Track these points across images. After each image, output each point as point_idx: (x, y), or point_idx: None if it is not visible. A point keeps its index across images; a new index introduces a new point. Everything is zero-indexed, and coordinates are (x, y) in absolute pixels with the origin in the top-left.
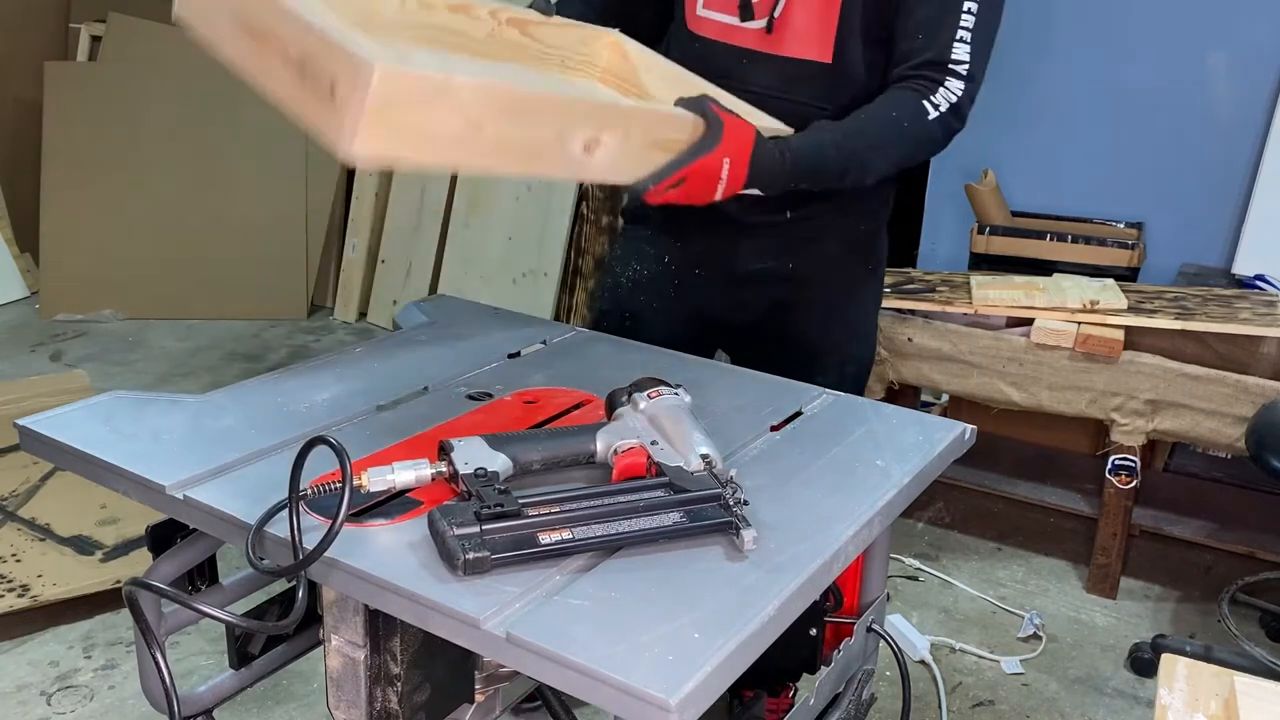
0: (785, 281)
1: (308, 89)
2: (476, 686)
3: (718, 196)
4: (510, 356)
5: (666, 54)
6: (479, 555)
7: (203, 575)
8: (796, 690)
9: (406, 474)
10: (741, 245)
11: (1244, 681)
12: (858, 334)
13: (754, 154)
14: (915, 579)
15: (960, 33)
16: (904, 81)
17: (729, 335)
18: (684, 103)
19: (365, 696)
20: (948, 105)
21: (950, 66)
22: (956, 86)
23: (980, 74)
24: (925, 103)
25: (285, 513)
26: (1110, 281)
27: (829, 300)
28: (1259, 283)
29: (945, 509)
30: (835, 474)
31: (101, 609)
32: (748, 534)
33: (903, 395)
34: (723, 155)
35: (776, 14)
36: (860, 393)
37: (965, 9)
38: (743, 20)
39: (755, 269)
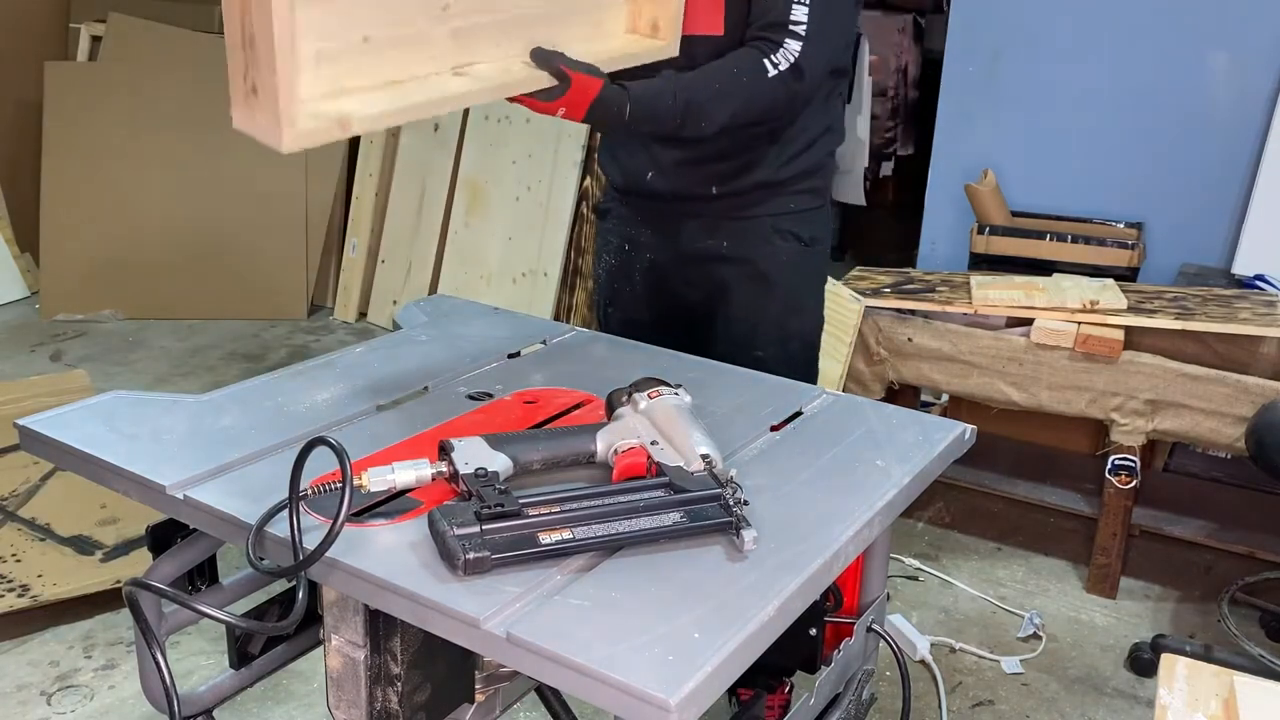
0: (723, 260)
1: (241, 62)
2: (476, 686)
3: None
4: (510, 356)
5: None
6: (479, 555)
7: (203, 575)
8: (793, 686)
9: (407, 474)
10: (683, 225)
11: (1244, 681)
12: (796, 309)
13: (593, 103)
14: (915, 579)
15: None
16: (751, 42)
17: (688, 314)
18: (538, 59)
19: (365, 696)
20: (787, 64)
21: (789, 27)
22: (794, 47)
23: (819, 35)
24: (766, 60)
25: (286, 513)
26: (1110, 281)
27: (763, 275)
28: (1259, 283)
29: (945, 509)
30: (835, 474)
31: (101, 609)
32: (748, 534)
33: (903, 395)
34: (559, 105)
35: None
36: (812, 369)
37: None
38: None
39: (697, 248)
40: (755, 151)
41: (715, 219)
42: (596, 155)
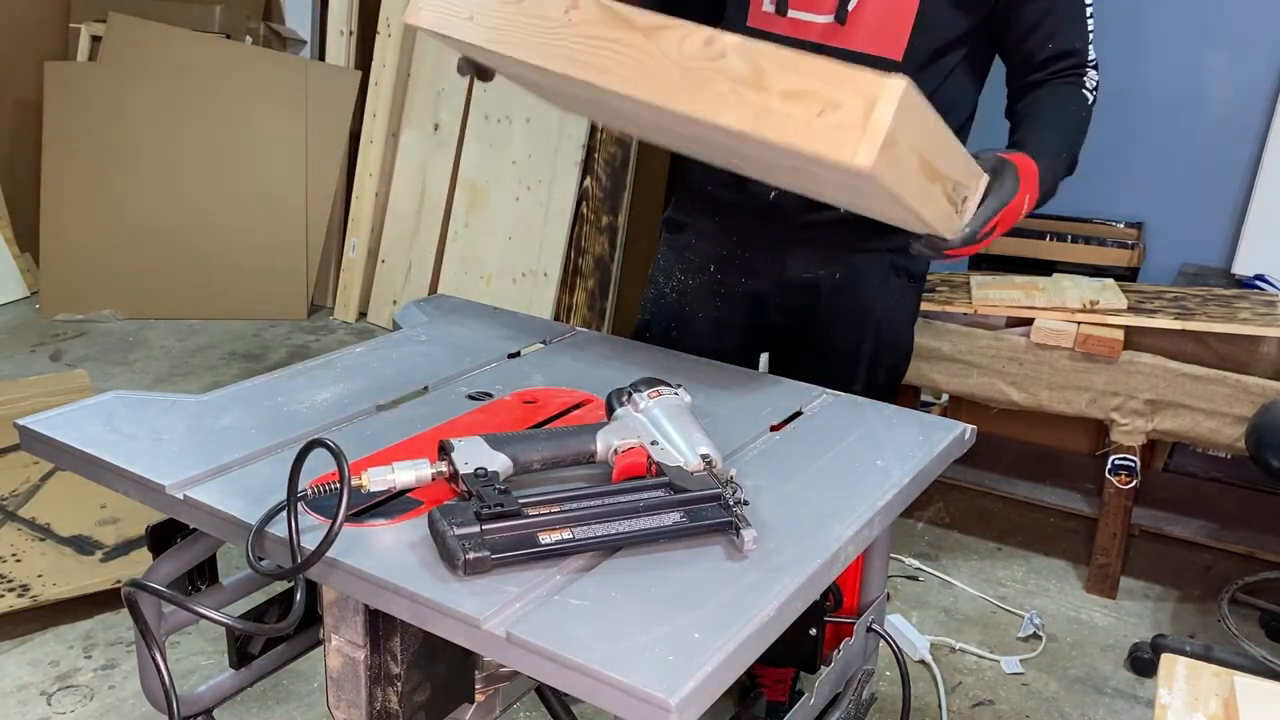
0: (835, 291)
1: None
2: (476, 686)
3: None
4: (510, 356)
5: None
6: (479, 555)
7: (203, 575)
8: (798, 675)
9: (407, 474)
10: (790, 252)
11: (1244, 681)
12: (893, 347)
13: (1039, 179)
14: (915, 579)
15: (1089, 24)
16: (1051, 81)
17: (774, 344)
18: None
19: (365, 696)
20: (1093, 91)
21: (1090, 59)
22: (1094, 76)
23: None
24: (1084, 92)
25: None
26: (1110, 281)
27: (870, 312)
28: (1259, 283)
29: (945, 509)
30: (835, 474)
31: (101, 609)
32: (748, 534)
33: (903, 395)
34: (1024, 193)
35: (851, 6)
36: (889, 395)
37: (1087, 3)
38: (833, 16)
39: (805, 277)
40: None
41: (832, 249)
42: (675, 167)
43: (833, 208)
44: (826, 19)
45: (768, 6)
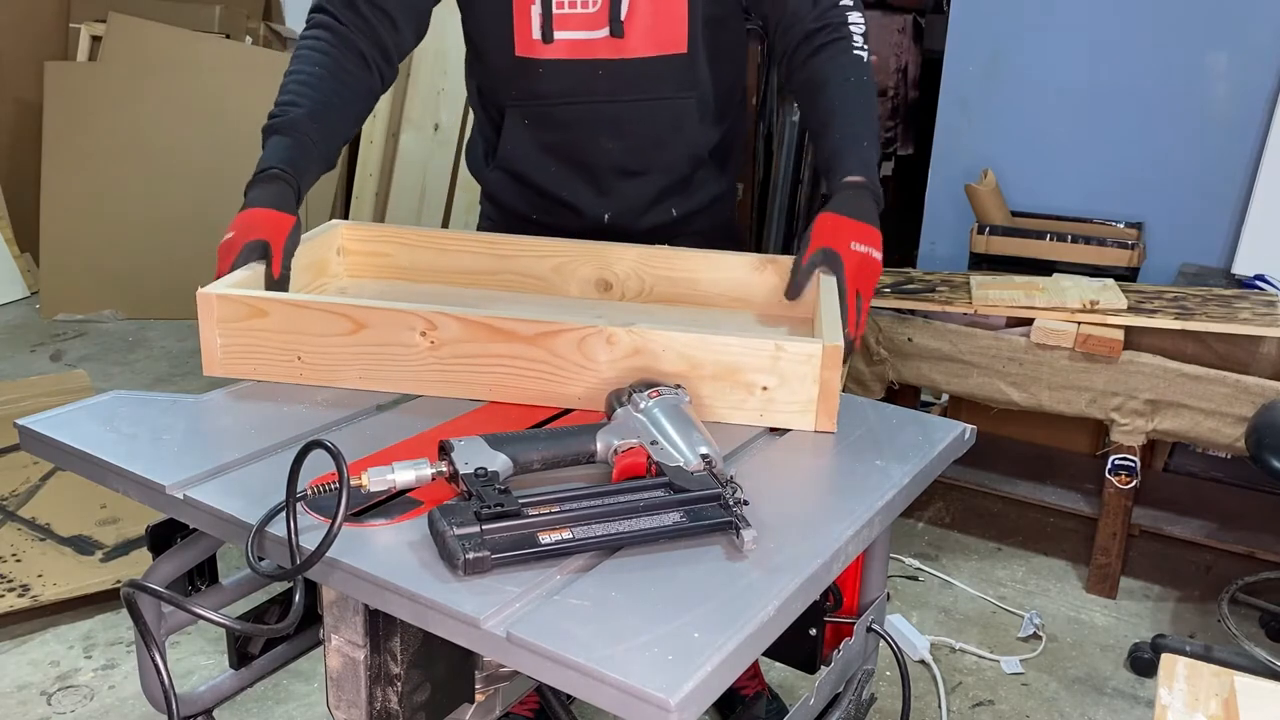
0: None
1: None
2: (477, 686)
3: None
4: None
5: (478, 93)
6: (479, 555)
7: (202, 575)
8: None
9: (406, 474)
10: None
11: (1244, 682)
12: None
13: (863, 216)
14: (915, 579)
15: None
16: (814, 38)
17: None
18: (801, 275)
19: (365, 696)
20: (862, 38)
21: (843, 2)
22: (856, 18)
23: None
24: (857, 53)
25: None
26: (1110, 281)
27: None
28: (1259, 283)
29: (945, 509)
30: (835, 474)
31: (101, 609)
32: (748, 534)
33: (903, 395)
34: (863, 248)
35: (622, 16)
36: None
37: None
38: (608, 30)
39: None
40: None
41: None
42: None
43: (665, 209)
44: (602, 33)
45: (536, 34)
